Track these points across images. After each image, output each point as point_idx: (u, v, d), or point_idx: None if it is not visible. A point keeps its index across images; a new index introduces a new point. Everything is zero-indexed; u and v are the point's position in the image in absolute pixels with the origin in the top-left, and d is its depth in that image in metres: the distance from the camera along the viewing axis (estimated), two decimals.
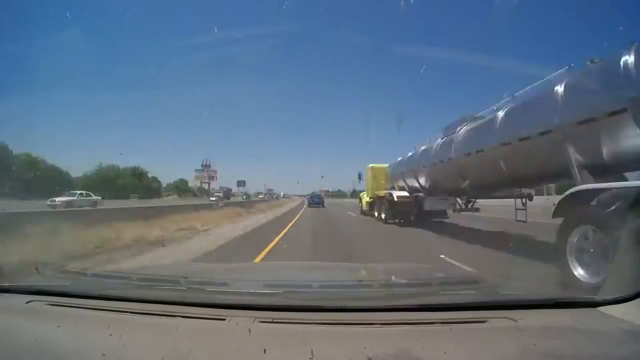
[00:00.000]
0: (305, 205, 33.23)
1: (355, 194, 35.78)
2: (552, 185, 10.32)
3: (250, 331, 0.80)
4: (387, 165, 13.92)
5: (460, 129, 7.73)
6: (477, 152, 6.68)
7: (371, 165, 15.73)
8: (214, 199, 30.78)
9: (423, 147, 10.02)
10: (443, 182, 8.82)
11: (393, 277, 1.58)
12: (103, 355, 0.72)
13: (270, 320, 0.86)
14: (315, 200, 32.55)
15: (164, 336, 0.80)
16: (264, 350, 0.71)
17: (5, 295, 1.11)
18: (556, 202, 4.09)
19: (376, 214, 13.70)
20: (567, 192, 4.03)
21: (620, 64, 3.67)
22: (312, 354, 0.70)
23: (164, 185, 57.76)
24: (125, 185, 41.57)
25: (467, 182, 7.55)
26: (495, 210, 10.86)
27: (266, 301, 0.98)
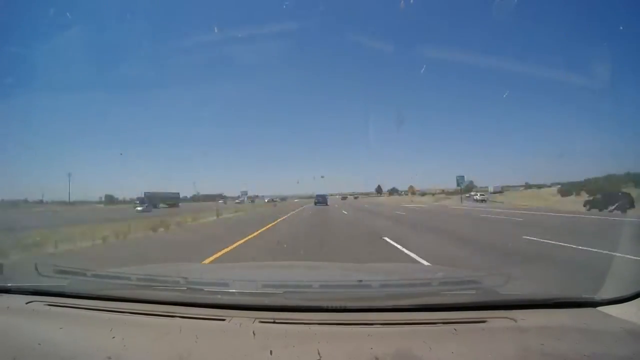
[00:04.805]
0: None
1: None
2: None
3: (251, 331, 0.80)
4: None
5: None
6: None
7: None
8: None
9: None
10: None
11: (393, 277, 1.58)
12: (108, 358, 0.72)
13: (271, 320, 0.86)
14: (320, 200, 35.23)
15: (165, 337, 0.80)
16: (270, 352, 0.71)
17: (5, 295, 1.10)
18: None
19: None
20: None
21: None
22: (319, 354, 0.70)
23: None
24: None
25: None
26: None
27: (266, 301, 0.98)
